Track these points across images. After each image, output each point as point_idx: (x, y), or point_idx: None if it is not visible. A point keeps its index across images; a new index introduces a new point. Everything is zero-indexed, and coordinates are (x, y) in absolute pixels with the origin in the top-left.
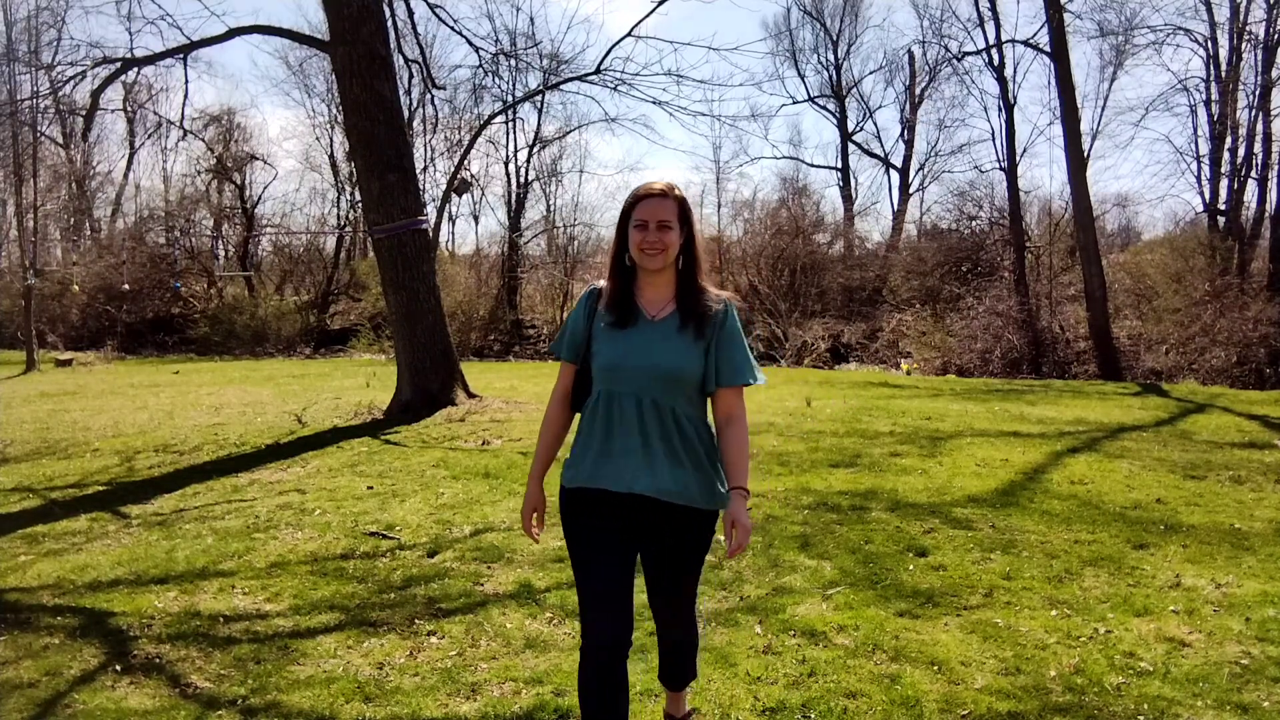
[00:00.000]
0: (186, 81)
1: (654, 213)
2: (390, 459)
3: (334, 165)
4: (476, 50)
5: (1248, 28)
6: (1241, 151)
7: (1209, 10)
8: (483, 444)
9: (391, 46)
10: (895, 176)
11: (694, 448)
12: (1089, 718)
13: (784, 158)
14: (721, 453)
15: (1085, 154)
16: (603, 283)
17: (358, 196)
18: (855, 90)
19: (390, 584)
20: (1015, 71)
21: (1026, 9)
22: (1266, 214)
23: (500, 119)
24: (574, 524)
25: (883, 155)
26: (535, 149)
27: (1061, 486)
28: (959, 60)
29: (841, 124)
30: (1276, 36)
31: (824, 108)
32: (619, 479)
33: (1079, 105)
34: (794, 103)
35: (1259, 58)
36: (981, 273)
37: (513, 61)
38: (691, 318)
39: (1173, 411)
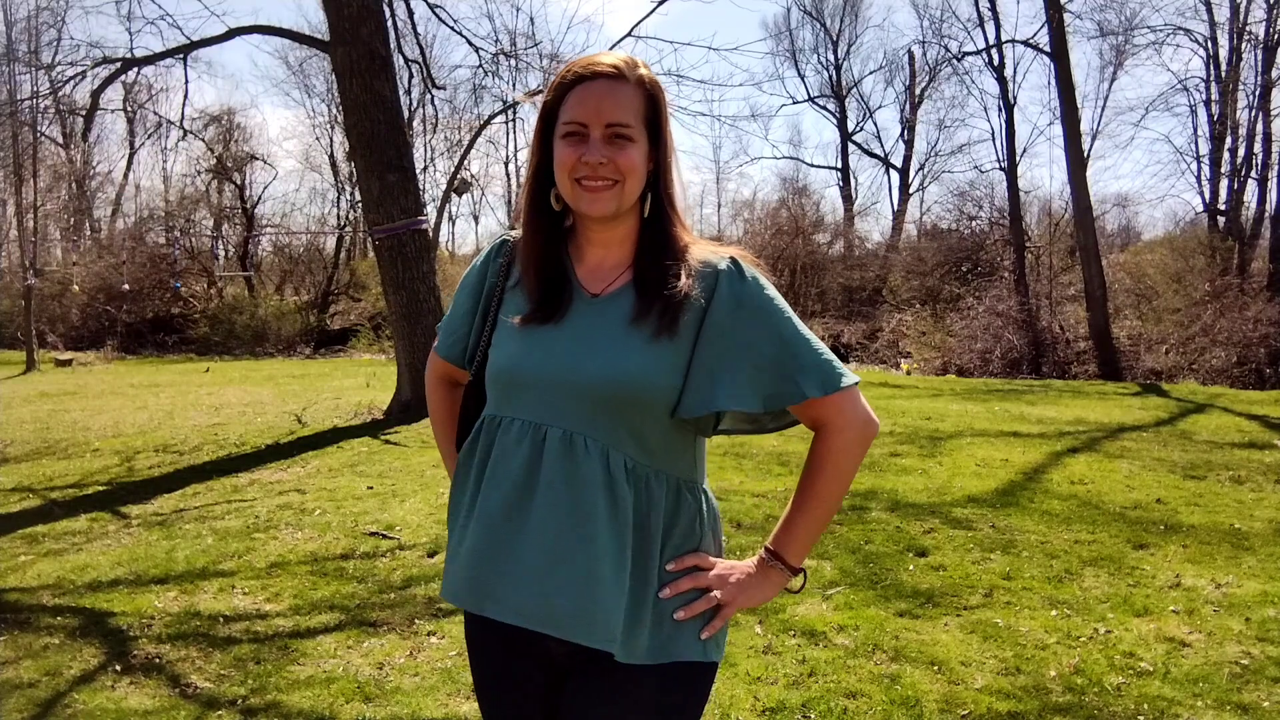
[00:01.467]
0: (186, 81)
1: (598, 109)
2: (390, 459)
3: (334, 165)
4: (476, 50)
5: (1248, 28)
6: (1241, 151)
7: (1209, 10)
8: None
9: (391, 46)
10: (895, 176)
11: (645, 535)
12: (1089, 718)
13: (784, 158)
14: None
15: (1085, 154)
16: (517, 233)
17: (358, 196)
18: (855, 90)
19: (390, 584)
20: (1015, 71)
21: (1026, 9)
22: (1266, 214)
23: (500, 119)
24: (474, 665)
25: (883, 155)
26: None
27: (1061, 486)
28: (959, 60)
29: (841, 124)
30: (1276, 36)
31: (824, 108)
32: (504, 595)
33: (1079, 105)
34: (794, 103)
35: (1259, 58)
36: (981, 273)
37: (513, 61)
38: (654, 296)
39: (1173, 411)
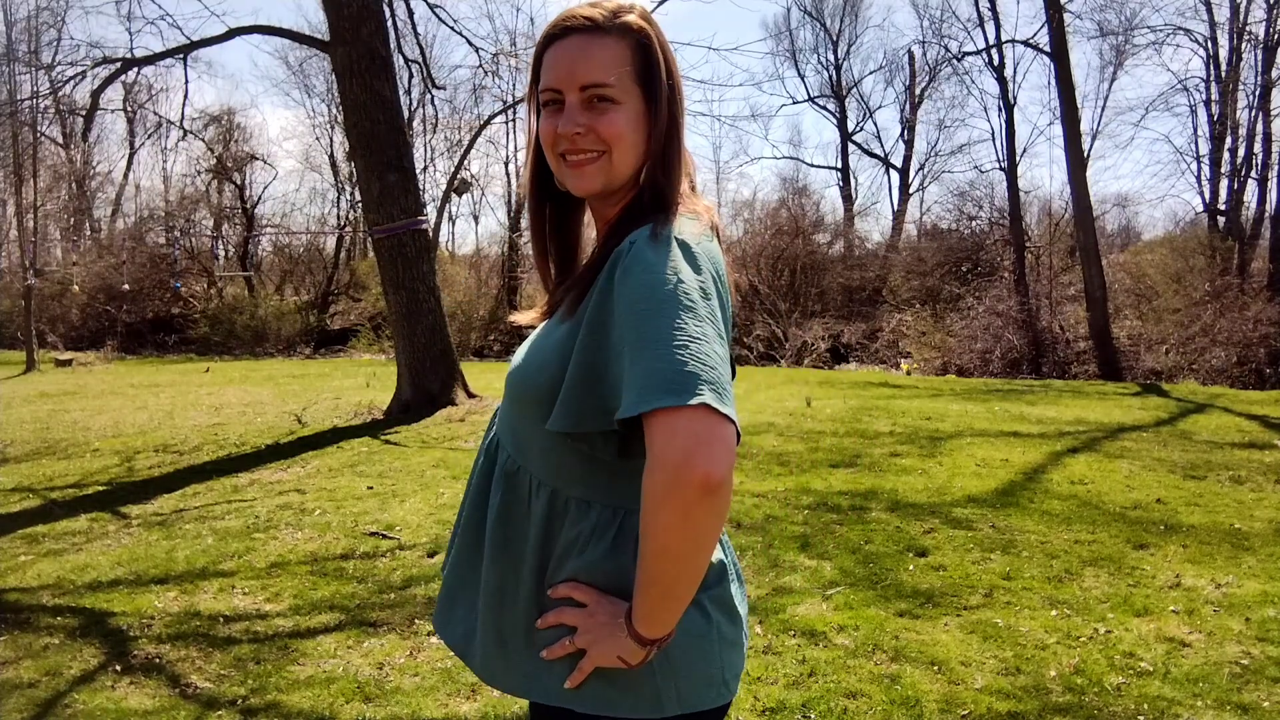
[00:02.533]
0: (186, 81)
1: (570, 71)
2: (390, 459)
3: (334, 165)
4: (476, 50)
5: (1248, 28)
6: (1241, 151)
7: (1209, 10)
8: None
9: (391, 46)
10: (895, 176)
11: (512, 558)
12: (1089, 718)
13: (784, 158)
14: None
15: (1085, 154)
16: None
17: (358, 196)
18: (855, 90)
19: (390, 584)
20: (1015, 71)
21: (1026, 9)
22: (1266, 214)
23: (500, 119)
24: None
25: (883, 155)
26: None
27: (1061, 486)
28: (959, 60)
29: (841, 124)
30: (1276, 36)
31: (824, 108)
32: (442, 619)
33: (1079, 105)
34: (794, 103)
35: (1259, 58)
36: (981, 273)
37: (513, 61)
38: (583, 277)
39: (1173, 411)
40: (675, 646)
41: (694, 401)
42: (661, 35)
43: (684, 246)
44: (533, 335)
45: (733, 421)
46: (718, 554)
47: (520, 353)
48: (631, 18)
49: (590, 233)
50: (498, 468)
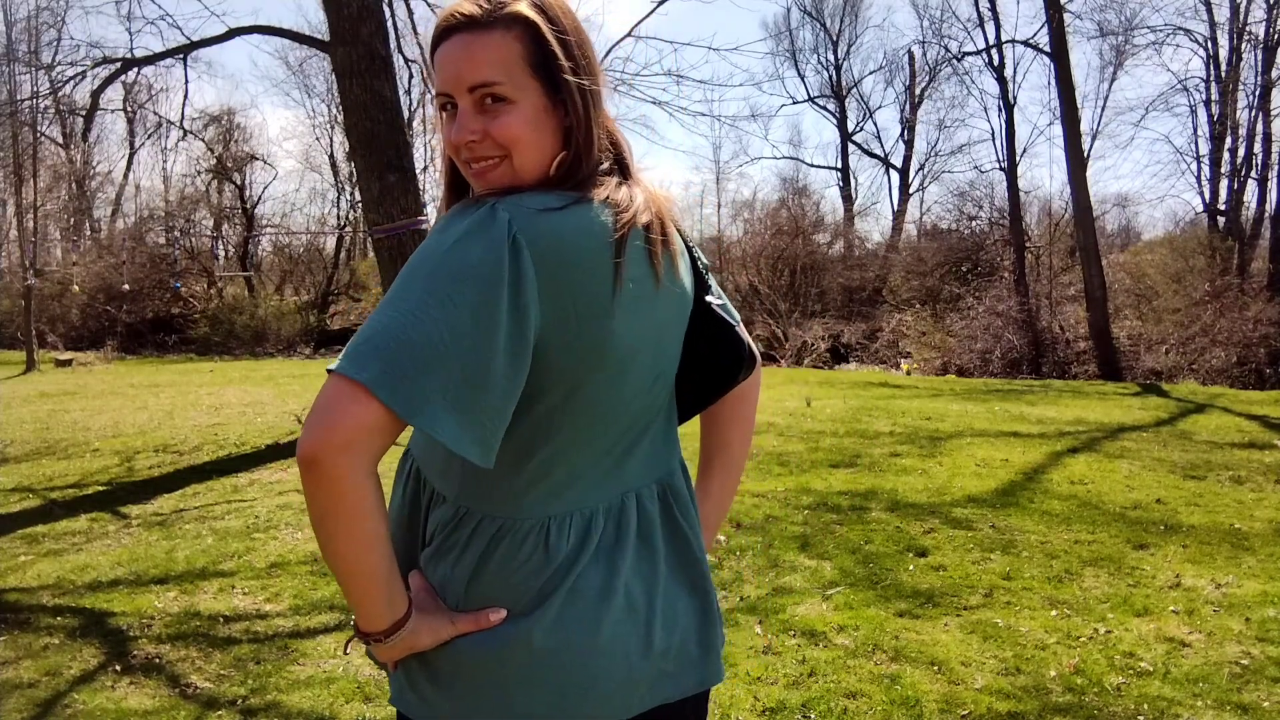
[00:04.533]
0: (186, 81)
1: (456, 74)
2: (390, 459)
3: (334, 165)
4: None
5: (1248, 28)
6: (1241, 152)
7: (1209, 10)
8: None
9: (391, 46)
10: (895, 176)
11: (407, 555)
12: (1089, 718)
13: (784, 158)
14: None
15: (1085, 154)
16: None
17: (358, 196)
18: (855, 90)
19: None
20: (1015, 71)
21: (1026, 9)
22: (1266, 214)
23: None
24: None
25: (883, 155)
26: None
27: (1061, 486)
28: (959, 60)
29: (841, 124)
30: (1276, 36)
31: (824, 108)
32: None
33: (1079, 105)
34: (794, 103)
35: (1259, 58)
36: (981, 273)
37: None
38: None
39: (1173, 411)
40: (447, 655)
41: (334, 369)
42: (560, 17)
43: (495, 217)
44: None
45: (383, 401)
46: (536, 576)
47: None
48: (517, 7)
49: None
50: (410, 479)
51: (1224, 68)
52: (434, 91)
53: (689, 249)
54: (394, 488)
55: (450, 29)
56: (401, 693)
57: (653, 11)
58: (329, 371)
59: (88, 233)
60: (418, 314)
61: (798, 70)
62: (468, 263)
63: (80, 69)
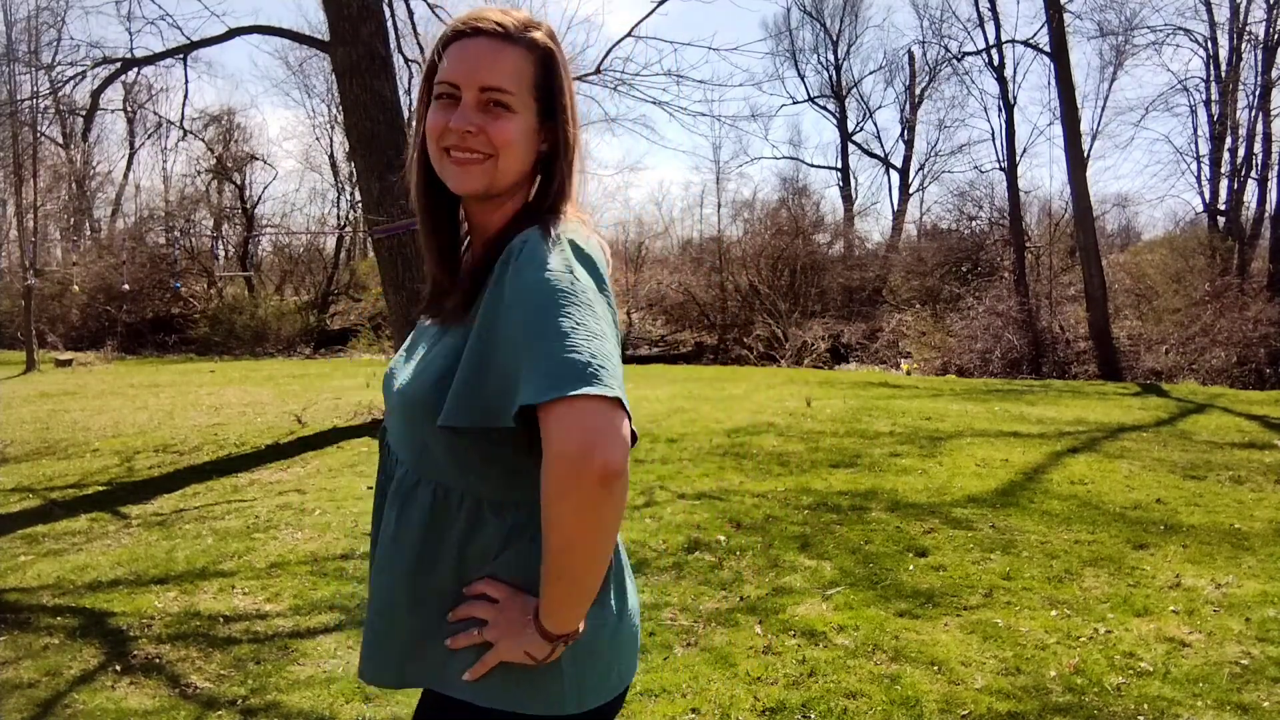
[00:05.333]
0: (186, 81)
1: (473, 70)
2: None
3: (334, 165)
4: None
5: (1248, 28)
6: (1241, 152)
7: (1209, 10)
8: None
9: (391, 46)
10: (895, 176)
11: (430, 557)
12: (1089, 718)
13: (784, 158)
14: None
15: (1085, 154)
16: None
17: (358, 196)
18: (855, 90)
19: None
20: (1015, 71)
21: (1026, 9)
22: (1266, 214)
23: None
24: None
25: (883, 155)
26: None
27: (1061, 486)
28: (959, 60)
29: (841, 124)
30: (1276, 36)
31: (824, 108)
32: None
33: (1079, 105)
34: (794, 103)
35: (1259, 58)
36: (981, 273)
37: None
38: (468, 280)
39: (1173, 412)
40: (576, 644)
41: (592, 391)
42: (563, 57)
43: (575, 247)
44: (417, 351)
45: (628, 414)
46: None
47: (407, 371)
48: (539, 34)
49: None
50: (396, 483)
51: (1224, 68)
52: (436, 80)
53: None
54: (398, 529)
55: (479, 30)
56: (533, 700)
57: (653, 11)
58: (573, 397)
59: (88, 233)
60: (594, 335)
61: (798, 70)
62: (589, 285)
63: (80, 69)
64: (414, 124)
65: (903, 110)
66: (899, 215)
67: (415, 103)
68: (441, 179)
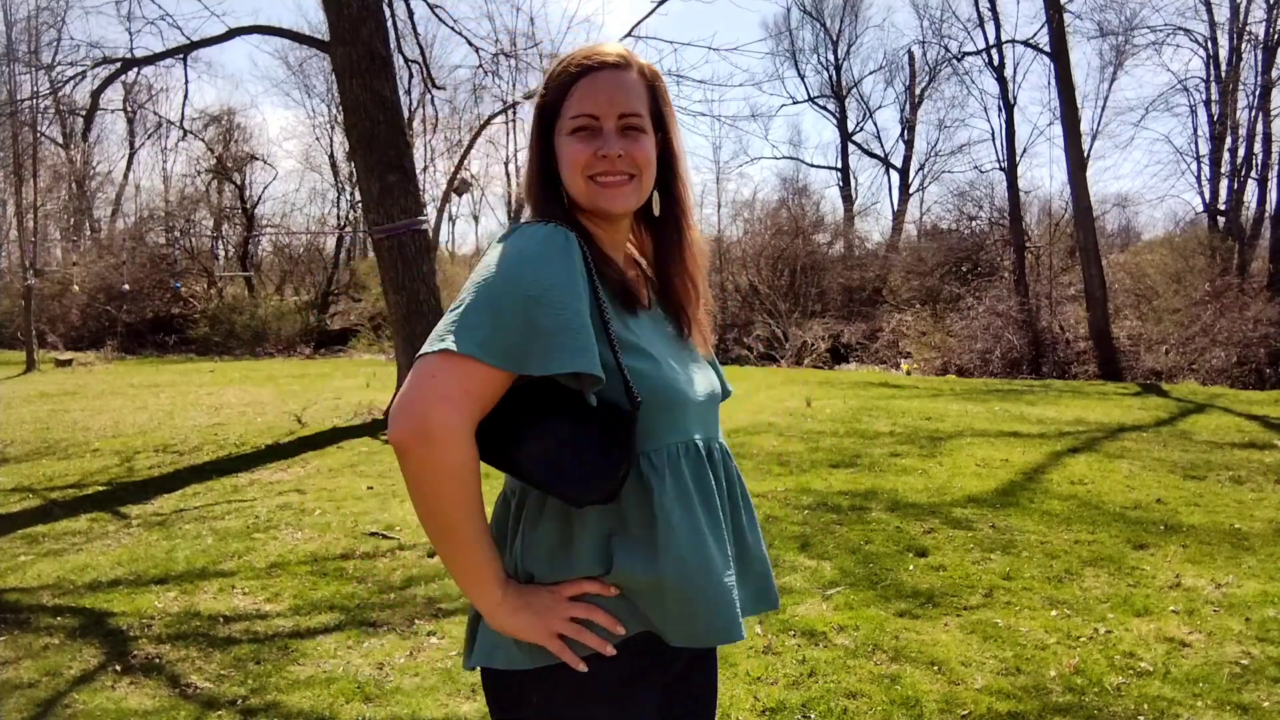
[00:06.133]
0: (186, 81)
1: (610, 100)
2: (390, 459)
3: (334, 165)
4: (476, 50)
5: (1248, 28)
6: (1241, 152)
7: (1209, 10)
8: None
9: (391, 46)
10: (895, 176)
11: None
12: (1089, 718)
13: (784, 158)
14: None
15: (1085, 154)
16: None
17: (358, 196)
18: (855, 90)
19: (390, 584)
20: (1015, 71)
21: (1026, 9)
22: (1266, 214)
23: (500, 119)
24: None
25: (883, 155)
26: None
27: (1061, 486)
28: (959, 60)
29: (841, 124)
30: (1276, 36)
31: (824, 108)
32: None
33: (1079, 105)
34: (794, 103)
35: (1259, 58)
36: (981, 273)
37: (513, 61)
38: (681, 306)
39: (1173, 411)
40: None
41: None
42: (663, 81)
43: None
44: (699, 357)
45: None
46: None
47: (714, 374)
48: (645, 64)
49: None
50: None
51: (1224, 68)
52: (574, 113)
53: None
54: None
55: (605, 64)
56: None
57: (653, 11)
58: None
59: (88, 233)
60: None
61: (798, 70)
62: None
63: (80, 69)
64: (528, 161)
65: (903, 110)
66: (899, 215)
67: (415, 104)
68: (588, 205)
